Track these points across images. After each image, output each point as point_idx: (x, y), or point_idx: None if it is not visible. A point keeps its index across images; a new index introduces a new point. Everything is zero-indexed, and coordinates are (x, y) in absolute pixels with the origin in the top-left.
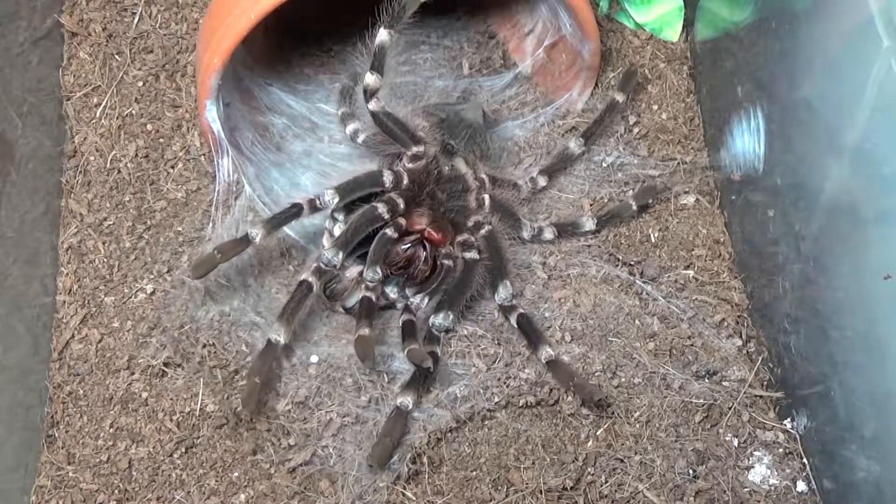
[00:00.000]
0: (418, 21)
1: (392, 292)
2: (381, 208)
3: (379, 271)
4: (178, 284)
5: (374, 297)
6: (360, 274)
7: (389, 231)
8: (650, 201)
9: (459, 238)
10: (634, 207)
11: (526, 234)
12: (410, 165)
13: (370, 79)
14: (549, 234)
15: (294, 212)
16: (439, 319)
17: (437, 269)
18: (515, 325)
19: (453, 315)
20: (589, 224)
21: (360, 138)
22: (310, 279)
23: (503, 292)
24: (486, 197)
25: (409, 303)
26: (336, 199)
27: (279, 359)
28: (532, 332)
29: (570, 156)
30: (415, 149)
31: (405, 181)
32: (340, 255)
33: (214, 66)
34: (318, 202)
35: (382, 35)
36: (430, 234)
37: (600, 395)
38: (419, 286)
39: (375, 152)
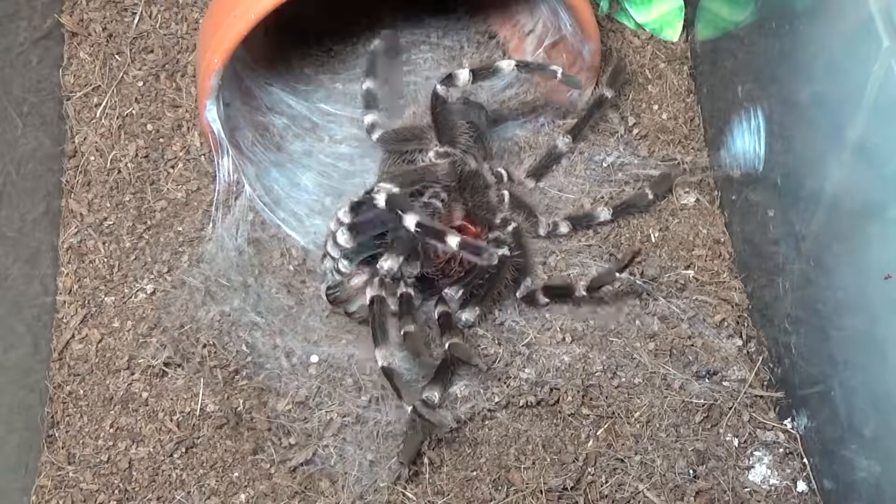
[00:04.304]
0: (420, 21)
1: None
2: (436, 203)
3: (417, 266)
4: (178, 284)
5: (412, 293)
6: (363, 280)
7: None
8: (665, 191)
9: (491, 235)
10: (650, 197)
11: (542, 231)
12: (438, 162)
13: (463, 74)
14: (564, 228)
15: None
16: (466, 314)
17: (472, 264)
18: (545, 300)
19: (480, 311)
20: (604, 214)
21: (376, 135)
22: (381, 294)
23: (524, 286)
24: (506, 193)
25: (444, 294)
26: (396, 189)
27: (400, 375)
28: (562, 290)
29: (559, 154)
30: (445, 146)
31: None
32: (400, 259)
33: (215, 66)
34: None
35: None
36: (468, 227)
37: (636, 253)
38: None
39: (389, 150)
